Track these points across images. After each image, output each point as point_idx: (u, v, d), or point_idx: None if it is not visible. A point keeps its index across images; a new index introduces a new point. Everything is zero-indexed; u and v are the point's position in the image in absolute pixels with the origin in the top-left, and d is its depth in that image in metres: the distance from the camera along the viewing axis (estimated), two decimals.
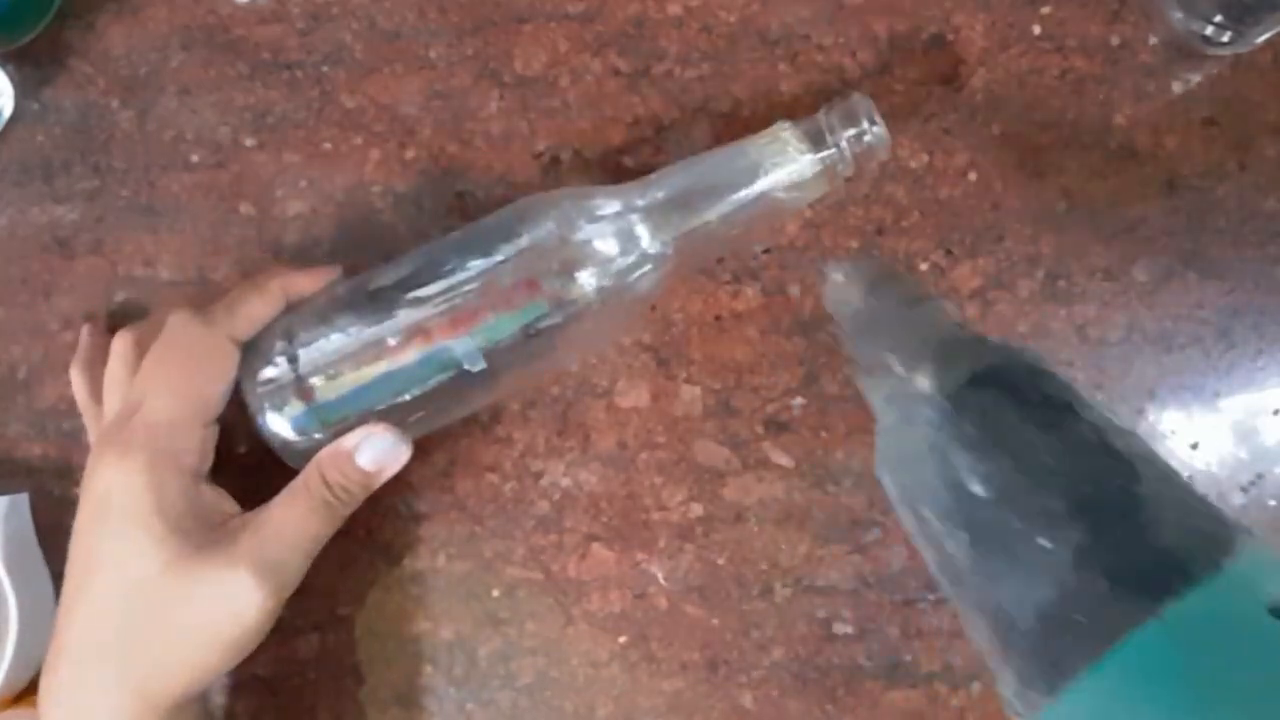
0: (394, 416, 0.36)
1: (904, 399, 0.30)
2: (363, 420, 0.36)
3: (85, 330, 0.42)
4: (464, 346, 0.35)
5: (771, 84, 0.41)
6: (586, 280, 0.35)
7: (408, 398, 0.36)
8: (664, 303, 0.41)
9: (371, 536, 0.42)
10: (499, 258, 0.36)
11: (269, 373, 0.36)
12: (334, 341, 0.36)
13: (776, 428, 0.40)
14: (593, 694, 0.40)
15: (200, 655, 0.33)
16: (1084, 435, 0.27)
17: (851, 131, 0.36)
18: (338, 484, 0.35)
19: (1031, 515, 0.26)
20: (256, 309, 0.36)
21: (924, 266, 0.40)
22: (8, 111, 0.45)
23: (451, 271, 0.36)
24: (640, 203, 0.36)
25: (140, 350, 0.37)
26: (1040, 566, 0.25)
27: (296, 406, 0.36)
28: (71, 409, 0.43)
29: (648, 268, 0.36)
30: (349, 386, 0.36)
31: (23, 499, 0.43)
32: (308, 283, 0.38)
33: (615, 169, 0.42)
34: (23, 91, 0.45)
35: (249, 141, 0.44)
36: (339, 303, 0.37)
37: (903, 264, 0.40)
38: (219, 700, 0.41)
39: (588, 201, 0.36)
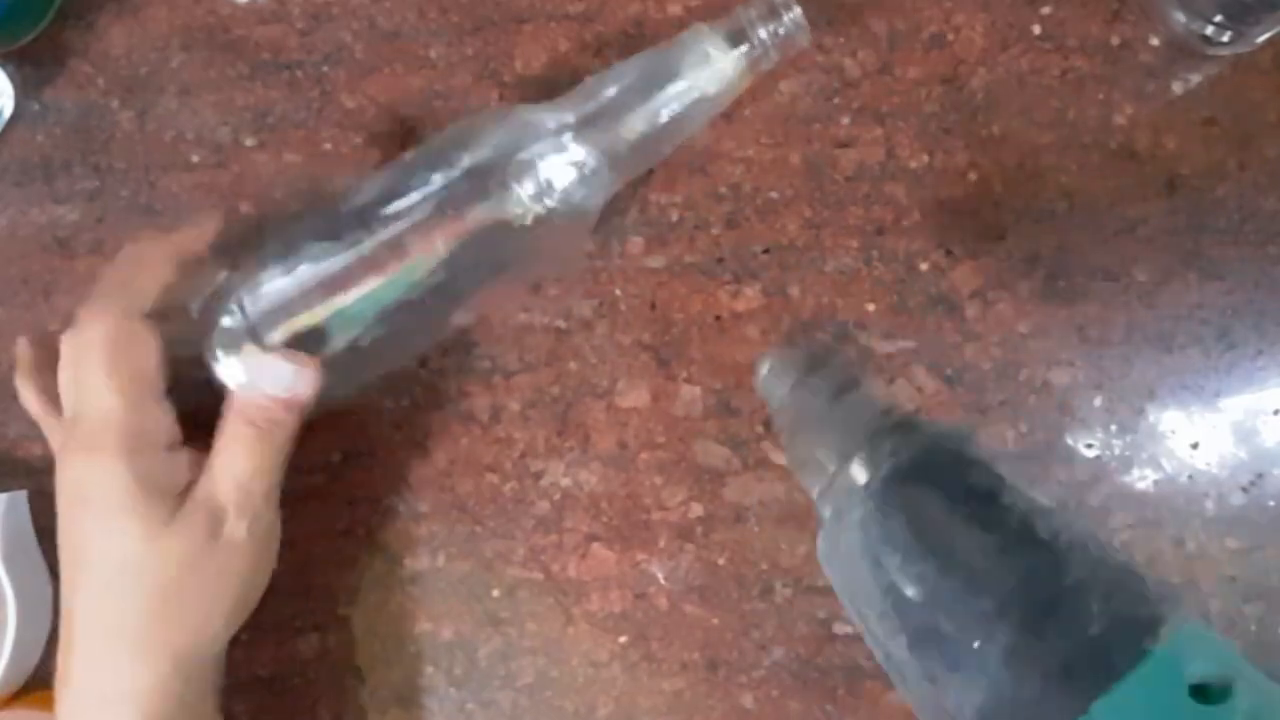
0: (351, 351, 0.36)
1: (836, 494, 0.30)
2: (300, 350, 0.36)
3: (21, 343, 0.40)
4: (409, 272, 0.36)
5: (771, 84, 0.41)
6: (529, 197, 0.36)
7: (358, 330, 0.36)
8: (664, 303, 0.41)
9: (371, 536, 0.42)
10: (441, 182, 0.36)
11: (225, 322, 0.36)
12: (281, 280, 0.36)
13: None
14: (593, 694, 0.40)
15: (210, 605, 0.35)
16: (1009, 527, 0.27)
17: (771, 24, 0.37)
18: (261, 420, 0.35)
19: (962, 616, 0.26)
20: (147, 278, 0.36)
21: (924, 266, 0.40)
22: (8, 111, 0.45)
23: (395, 199, 0.36)
24: (574, 115, 0.37)
25: None
26: (975, 668, 0.25)
27: (249, 347, 0.36)
28: None
29: (589, 179, 0.37)
30: (301, 324, 0.36)
31: (21, 496, 0.43)
32: (193, 238, 0.37)
33: None
34: (23, 91, 0.45)
35: (249, 141, 0.44)
36: (284, 242, 0.37)
37: (902, 264, 0.40)
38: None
39: (523, 119, 0.37)
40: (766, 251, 0.41)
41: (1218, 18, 0.38)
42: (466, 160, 0.36)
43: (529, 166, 0.36)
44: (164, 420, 0.35)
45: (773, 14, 0.37)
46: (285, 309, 0.36)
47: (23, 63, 0.45)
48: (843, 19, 0.41)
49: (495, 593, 0.41)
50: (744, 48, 0.37)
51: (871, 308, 0.40)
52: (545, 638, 0.41)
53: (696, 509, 0.40)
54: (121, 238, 0.44)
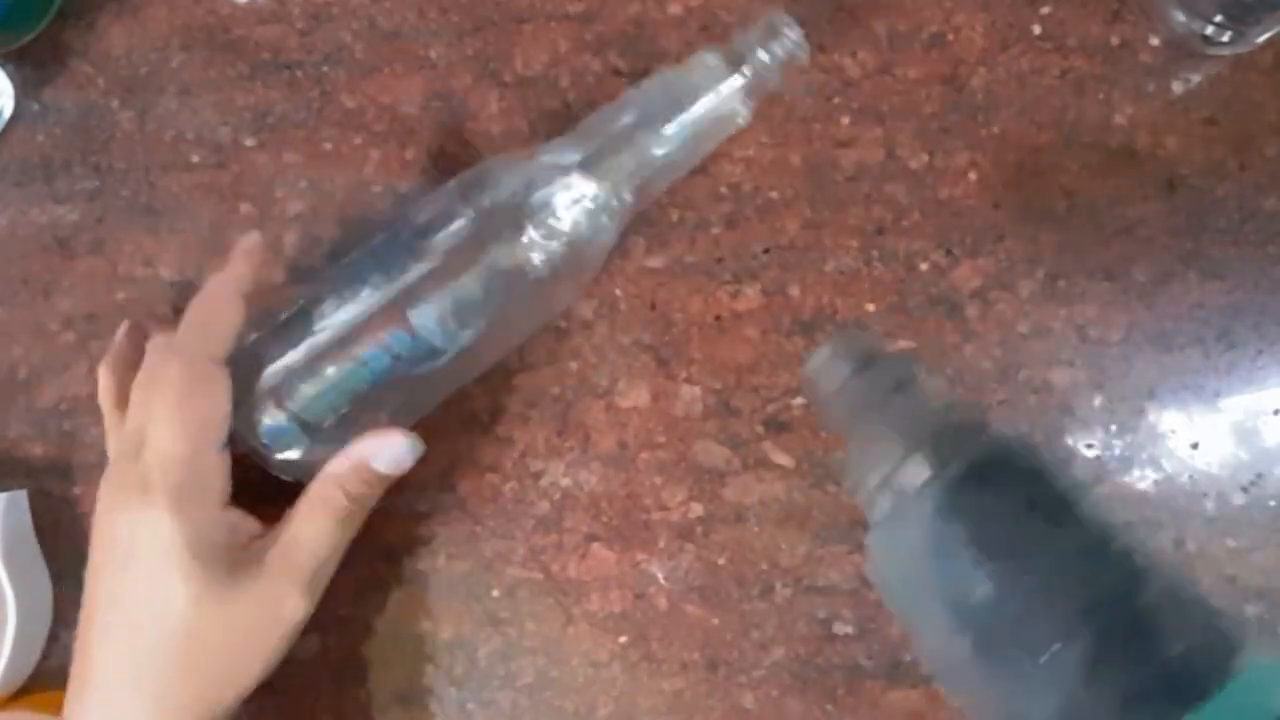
0: (373, 409, 0.36)
1: (896, 490, 0.29)
2: (342, 416, 0.36)
3: (123, 329, 0.39)
4: (425, 317, 0.36)
5: None
6: (544, 236, 0.36)
7: (382, 385, 0.36)
8: (664, 303, 0.41)
9: (371, 536, 0.42)
10: (456, 226, 0.36)
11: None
12: (303, 342, 0.36)
13: (776, 428, 0.40)
14: (593, 694, 0.40)
15: (244, 669, 0.34)
16: (1088, 535, 0.26)
17: (772, 45, 0.37)
18: (357, 493, 0.36)
19: (1038, 621, 0.25)
20: (224, 321, 0.35)
21: (924, 266, 0.40)
22: (8, 111, 0.45)
23: (411, 252, 0.36)
24: (580, 153, 0.37)
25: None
26: (1049, 675, 0.25)
27: (275, 415, 0.36)
28: (72, 409, 0.43)
29: (603, 216, 0.37)
30: (322, 383, 0.36)
31: (21, 495, 0.43)
32: (245, 266, 0.37)
33: None
34: (23, 91, 0.45)
35: (249, 141, 0.44)
36: (305, 300, 0.37)
37: (902, 264, 0.40)
38: None
39: (529, 161, 0.37)
40: (766, 251, 0.41)
41: (1218, 18, 0.38)
42: (485, 201, 0.36)
43: (545, 205, 0.36)
44: (222, 472, 0.35)
45: (773, 35, 0.37)
46: (327, 394, 0.36)
47: (23, 63, 0.45)
48: (843, 19, 0.41)
49: (495, 593, 0.41)
50: (748, 70, 0.37)
51: (871, 308, 0.40)
52: (545, 638, 0.41)
53: (696, 509, 0.40)
54: (121, 238, 0.44)
